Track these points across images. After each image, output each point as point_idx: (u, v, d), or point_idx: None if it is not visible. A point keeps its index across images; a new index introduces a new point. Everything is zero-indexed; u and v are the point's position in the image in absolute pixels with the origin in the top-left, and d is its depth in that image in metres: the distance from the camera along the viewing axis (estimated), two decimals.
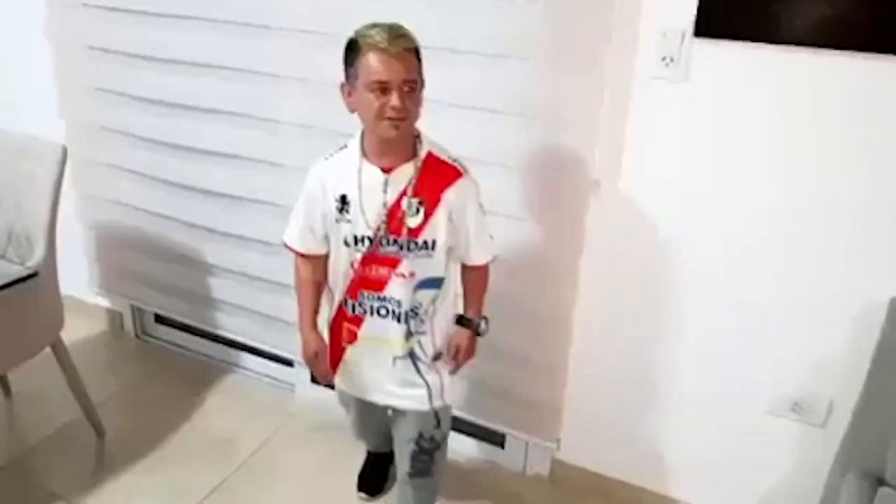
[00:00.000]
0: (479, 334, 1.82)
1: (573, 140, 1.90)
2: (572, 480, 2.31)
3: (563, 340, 2.13)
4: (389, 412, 1.93)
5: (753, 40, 1.67)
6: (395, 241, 1.64)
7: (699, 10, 1.68)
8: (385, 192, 1.61)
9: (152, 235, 2.71)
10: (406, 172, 1.61)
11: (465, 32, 1.91)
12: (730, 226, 1.85)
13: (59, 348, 2.29)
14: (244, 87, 2.29)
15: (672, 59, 1.75)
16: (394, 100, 1.48)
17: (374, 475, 2.29)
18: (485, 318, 1.82)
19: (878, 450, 1.68)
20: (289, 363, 2.70)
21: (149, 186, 2.62)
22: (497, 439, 2.42)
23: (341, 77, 1.59)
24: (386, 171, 1.61)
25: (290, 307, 2.43)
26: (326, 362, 1.85)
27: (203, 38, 2.31)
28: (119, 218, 2.75)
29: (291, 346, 2.56)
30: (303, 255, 1.78)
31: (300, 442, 2.47)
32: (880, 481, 1.67)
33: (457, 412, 2.29)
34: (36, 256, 2.13)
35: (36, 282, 2.10)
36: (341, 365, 1.85)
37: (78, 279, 2.89)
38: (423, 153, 1.62)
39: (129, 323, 3.04)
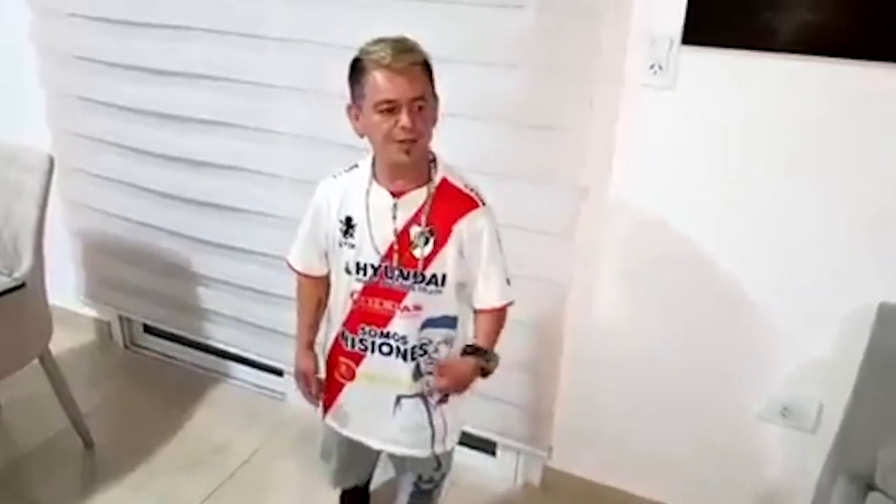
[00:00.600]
0: (484, 370, 1.59)
1: (563, 147, 1.90)
2: (564, 488, 2.31)
3: (554, 348, 2.13)
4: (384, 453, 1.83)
5: (741, 48, 1.68)
6: (402, 273, 1.52)
7: (687, 18, 1.70)
8: (394, 217, 1.49)
9: (141, 245, 2.70)
10: (417, 198, 1.50)
11: (455, 40, 1.91)
12: (719, 231, 1.86)
13: (47, 359, 2.28)
14: (233, 97, 2.29)
15: (660, 67, 1.76)
16: (403, 119, 1.38)
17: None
18: (495, 354, 1.62)
19: (867, 454, 1.69)
20: (278, 373, 2.70)
21: (137, 196, 2.61)
22: (488, 448, 2.41)
23: (336, 86, 1.53)
24: (396, 195, 1.50)
25: (279, 317, 2.45)
26: (314, 387, 1.75)
27: (192, 48, 2.30)
28: (107, 227, 2.74)
29: (281, 355, 2.57)
30: (302, 275, 1.70)
31: (291, 451, 2.46)
32: (870, 486, 1.68)
33: None
34: (23, 267, 2.12)
35: (23, 292, 2.09)
36: (336, 403, 1.73)
37: (66, 289, 2.87)
38: (437, 178, 1.51)
39: (117, 333, 3.03)
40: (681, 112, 1.79)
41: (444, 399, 1.65)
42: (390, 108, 1.38)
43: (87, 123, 2.61)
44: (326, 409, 1.77)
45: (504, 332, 2.08)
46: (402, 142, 1.40)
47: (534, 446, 2.28)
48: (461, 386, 1.60)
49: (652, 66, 1.77)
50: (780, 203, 1.78)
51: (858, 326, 1.73)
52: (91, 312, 3.03)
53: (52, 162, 2.14)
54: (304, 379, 1.76)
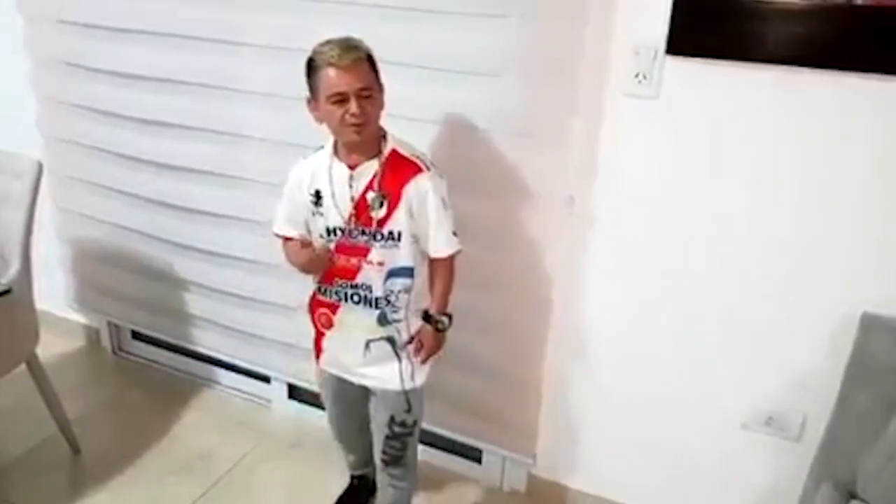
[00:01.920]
0: (439, 330, 1.87)
1: (547, 156, 1.91)
2: (549, 496, 2.31)
3: (537, 356, 2.13)
4: (371, 409, 1.98)
5: (725, 58, 1.69)
6: (364, 232, 1.75)
7: (671, 28, 1.70)
8: (351, 186, 1.73)
9: (129, 251, 2.70)
10: (370, 168, 1.72)
11: (439, 49, 1.92)
12: (702, 241, 1.87)
13: (34, 365, 2.28)
14: (221, 104, 2.30)
15: (645, 76, 1.77)
16: (352, 107, 1.61)
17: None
18: (448, 315, 1.87)
19: (850, 463, 1.69)
20: (265, 379, 2.70)
21: (127, 202, 2.62)
22: (474, 455, 2.41)
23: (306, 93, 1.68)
24: (352, 167, 1.73)
25: (266, 323, 2.46)
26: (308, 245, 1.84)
27: (180, 55, 2.31)
28: (96, 234, 2.75)
29: (268, 361, 2.58)
30: (290, 239, 1.87)
31: (277, 457, 2.46)
32: (852, 494, 1.68)
33: (433, 427, 2.30)
34: (10, 273, 2.12)
35: (9, 298, 2.09)
36: (321, 349, 1.94)
37: (55, 295, 2.88)
38: (386, 150, 1.73)
39: (105, 339, 3.02)
40: (665, 121, 1.80)
41: (410, 340, 1.87)
42: (341, 99, 1.61)
43: (77, 130, 2.61)
44: (317, 354, 1.98)
45: (487, 341, 2.10)
46: (352, 125, 1.63)
47: (519, 453, 2.28)
48: (434, 349, 1.90)
49: (636, 76, 1.77)
50: (764, 213, 1.78)
51: (842, 336, 1.73)
52: (80, 318, 3.03)
53: (40, 167, 2.15)
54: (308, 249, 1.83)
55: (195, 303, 2.67)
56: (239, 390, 2.80)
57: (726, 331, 1.92)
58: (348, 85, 1.60)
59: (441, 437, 2.37)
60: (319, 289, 1.87)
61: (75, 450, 2.43)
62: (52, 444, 2.42)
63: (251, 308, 2.47)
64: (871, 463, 1.65)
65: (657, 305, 1.98)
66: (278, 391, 2.69)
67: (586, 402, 2.16)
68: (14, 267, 2.13)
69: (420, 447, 2.27)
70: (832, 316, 1.78)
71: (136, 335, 3.00)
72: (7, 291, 2.08)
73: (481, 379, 2.18)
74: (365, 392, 1.96)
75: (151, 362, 2.97)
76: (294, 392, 2.66)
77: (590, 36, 1.79)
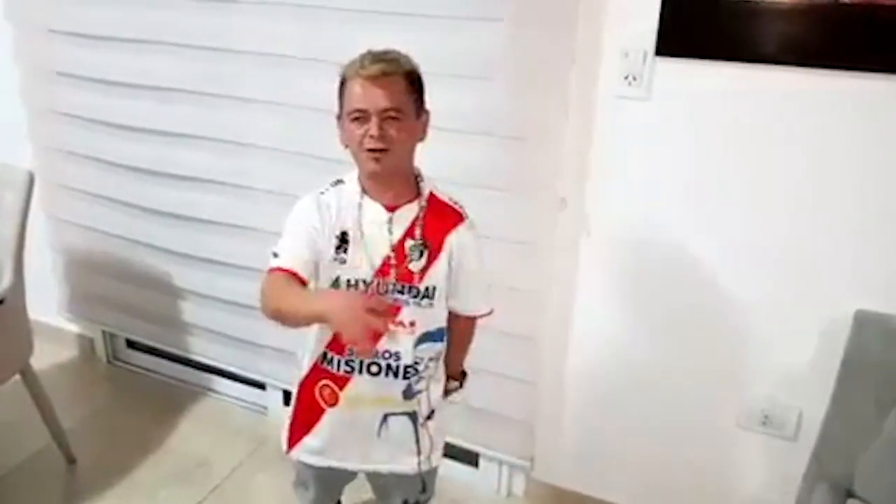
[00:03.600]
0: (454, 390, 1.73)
1: (539, 159, 1.92)
2: (547, 499, 2.31)
3: (534, 359, 2.13)
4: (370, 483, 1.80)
5: (714, 58, 1.70)
6: (396, 287, 1.48)
7: (660, 29, 1.71)
8: (390, 231, 1.47)
9: (123, 260, 2.70)
10: (410, 212, 1.48)
11: (430, 53, 1.90)
12: (696, 241, 1.87)
13: (28, 375, 2.27)
14: (213, 111, 2.30)
15: (635, 78, 1.77)
16: (371, 128, 1.36)
17: None
18: (464, 373, 1.75)
19: (846, 461, 1.69)
20: (261, 386, 2.69)
21: (118, 211, 2.61)
22: (471, 459, 2.41)
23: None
24: (390, 209, 1.47)
25: (261, 331, 2.44)
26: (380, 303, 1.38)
27: (171, 63, 2.31)
28: (89, 242, 2.74)
29: (263, 369, 2.57)
30: (291, 274, 1.45)
31: (273, 465, 2.44)
32: (849, 493, 1.68)
33: None
34: (3, 283, 2.11)
35: (2, 309, 2.08)
36: (314, 431, 1.63)
37: (48, 304, 2.87)
38: (426, 192, 1.51)
39: (100, 348, 3.02)
40: (656, 122, 1.81)
41: (430, 416, 1.64)
42: (362, 117, 1.38)
43: (69, 139, 2.61)
44: (294, 442, 1.68)
45: (484, 343, 2.09)
46: (371, 150, 1.38)
47: (517, 457, 2.28)
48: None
49: (626, 78, 1.78)
50: (757, 212, 1.79)
51: (837, 334, 1.74)
52: (74, 328, 3.02)
53: (31, 178, 2.14)
54: (360, 310, 1.26)
55: (190, 310, 2.67)
56: (235, 398, 2.79)
57: (720, 330, 1.92)
58: (371, 102, 1.36)
59: None
60: (325, 356, 1.55)
61: (70, 460, 2.42)
62: (47, 455, 2.41)
63: (246, 315, 2.46)
64: (867, 462, 1.65)
65: (651, 305, 1.98)
66: (274, 398, 2.68)
67: (583, 405, 2.17)
68: (7, 277, 2.12)
69: None
70: (826, 314, 1.79)
71: (131, 344, 3.00)
72: (0, 302, 2.07)
73: (478, 383, 2.17)
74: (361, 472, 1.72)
75: (146, 371, 2.96)
76: (290, 399, 2.64)
77: (580, 39, 1.80)
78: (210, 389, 2.84)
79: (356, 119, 1.38)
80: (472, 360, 2.11)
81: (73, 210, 2.72)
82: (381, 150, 1.38)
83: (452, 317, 1.61)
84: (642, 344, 2.02)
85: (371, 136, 1.37)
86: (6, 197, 2.14)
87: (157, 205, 2.53)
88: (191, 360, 2.79)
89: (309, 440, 1.65)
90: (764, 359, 1.89)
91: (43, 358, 2.39)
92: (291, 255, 1.45)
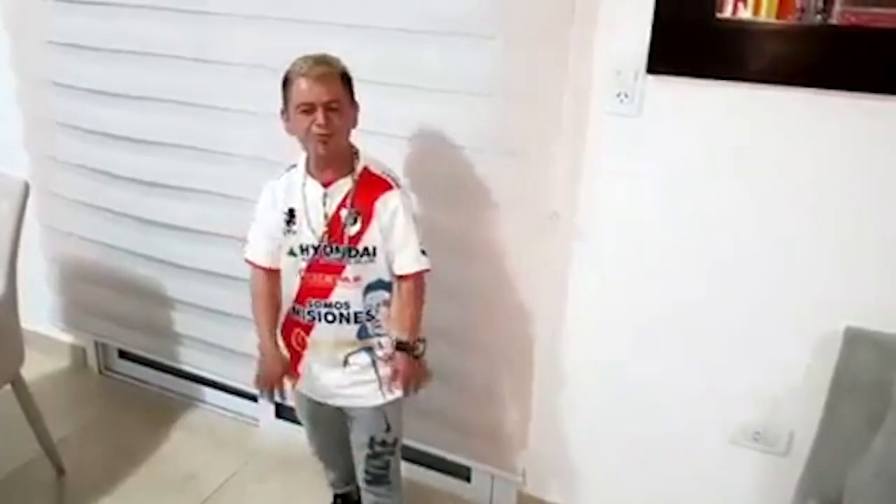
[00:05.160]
0: (416, 357, 1.84)
1: (532, 173, 1.92)
2: None
3: (525, 373, 2.13)
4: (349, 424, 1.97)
5: (705, 77, 1.71)
6: (338, 249, 1.76)
7: (651, 47, 1.72)
8: (325, 204, 1.75)
9: (116, 270, 2.69)
10: (344, 186, 1.75)
11: (426, 69, 1.93)
12: (686, 258, 1.88)
13: (18, 385, 2.26)
14: (204, 121, 2.30)
15: (626, 95, 1.78)
16: (318, 118, 1.64)
17: None
18: (421, 339, 1.85)
19: (836, 478, 1.69)
20: (253, 398, 2.68)
21: (112, 221, 2.61)
22: (463, 473, 2.41)
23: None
24: (326, 185, 1.75)
25: (254, 341, 2.43)
26: (282, 380, 1.88)
27: (169, 74, 2.32)
28: (82, 252, 2.74)
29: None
30: (263, 269, 1.86)
31: (265, 477, 2.45)
32: None
33: (421, 445, 2.29)
34: None
35: None
36: (298, 371, 1.91)
37: (41, 314, 2.86)
38: (359, 168, 1.76)
39: (92, 358, 3.01)
40: (647, 139, 1.82)
41: (390, 358, 1.85)
42: (308, 110, 1.65)
43: (64, 148, 2.61)
44: (295, 380, 1.93)
45: (475, 357, 2.09)
46: (318, 135, 1.66)
47: (508, 471, 2.27)
48: (411, 377, 1.85)
49: (618, 95, 1.79)
50: (747, 229, 1.79)
51: (827, 350, 1.74)
52: (66, 338, 3.01)
53: (26, 187, 2.14)
54: (276, 383, 1.88)
55: (183, 321, 2.67)
56: (226, 409, 2.79)
57: (712, 346, 1.92)
58: (316, 96, 1.63)
59: (429, 455, 2.36)
60: (293, 309, 1.86)
61: (60, 471, 2.41)
62: (37, 466, 2.40)
63: (239, 326, 2.45)
64: (857, 478, 1.65)
65: (642, 322, 1.98)
66: (266, 410, 2.67)
67: (575, 420, 2.16)
68: None
69: (408, 465, 2.27)
70: (816, 330, 1.79)
71: (123, 354, 2.99)
72: None
73: (469, 396, 2.18)
74: (342, 412, 1.95)
75: (138, 381, 2.96)
76: (282, 411, 2.65)
77: (572, 56, 1.81)
78: (202, 400, 2.83)
79: (304, 111, 1.65)
80: (463, 374, 2.13)
81: (68, 220, 2.72)
82: (327, 135, 1.66)
83: (395, 279, 1.83)
84: (634, 360, 2.02)
85: (318, 125, 1.65)
86: (1, 206, 2.14)
87: (151, 214, 2.52)
88: (183, 371, 2.79)
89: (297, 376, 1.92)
90: (755, 375, 1.89)
91: (35, 367, 2.38)
92: (253, 248, 1.87)
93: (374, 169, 1.78)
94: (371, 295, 1.81)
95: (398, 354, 1.83)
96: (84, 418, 2.72)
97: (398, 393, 1.88)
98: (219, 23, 2.17)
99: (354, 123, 1.74)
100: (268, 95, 2.04)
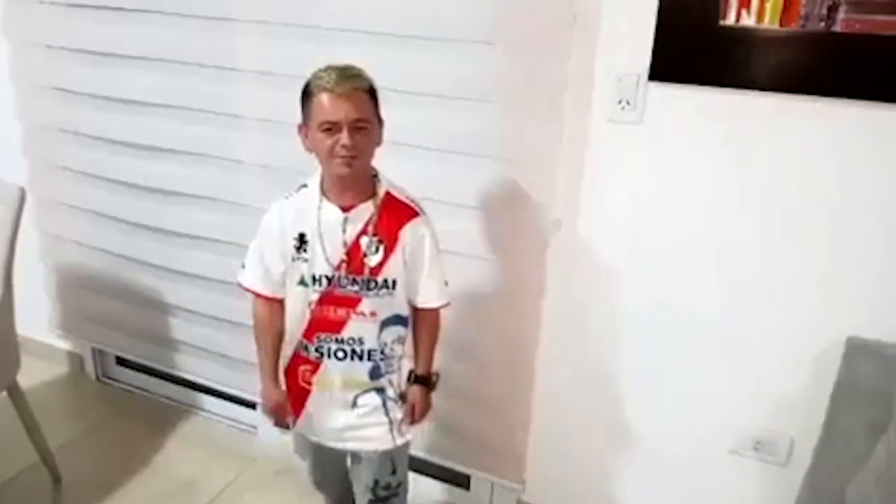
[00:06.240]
0: (431, 390, 1.79)
1: (533, 181, 1.92)
2: None
3: (526, 381, 2.12)
4: (348, 461, 1.90)
5: (707, 84, 1.71)
6: (355, 281, 1.63)
7: (654, 54, 1.72)
8: (344, 230, 1.61)
9: (114, 276, 2.68)
10: (365, 211, 1.62)
11: (427, 75, 1.93)
12: (688, 266, 1.87)
13: (14, 392, 2.25)
14: (206, 127, 2.30)
15: (628, 103, 1.78)
16: (343, 138, 1.50)
17: None
18: (436, 373, 1.80)
19: (837, 488, 1.68)
20: (251, 405, 2.67)
21: (111, 227, 2.61)
22: (462, 481, 2.40)
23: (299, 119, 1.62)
24: (345, 209, 1.61)
25: (252, 348, 2.41)
26: (287, 412, 1.81)
27: (169, 80, 2.31)
28: (80, 259, 2.73)
29: (254, 387, 2.53)
30: (264, 297, 1.74)
31: (263, 485, 2.44)
32: None
33: (420, 453, 2.28)
34: None
35: None
36: (303, 411, 1.80)
37: (38, 320, 2.85)
38: (381, 192, 1.63)
39: (89, 365, 3.00)
40: (649, 146, 1.81)
41: (402, 397, 1.78)
42: (333, 128, 1.51)
43: (63, 154, 2.61)
44: (295, 419, 1.83)
45: (475, 366, 2.08)
46: (342, 157, 1.52)
47: (508, 479, 2.26)
48: (426, 412, 1.80)
49: (620, 102, 1.79)
50: (749, 239, 1.79)
51: (829, 360, 1.73)
52: (64, 345, 3.00)
53: (23, 194, 2.13)
54: (279, 412, 1.81)
55: (181, 328, 2.65)
56: (225, 417, 2.78)
57: (713, 356, 1.91)
58: (342, 115, 1.50)
59: (428, 463, 2.35)
60: (301, 344, 1.73)
61: (56, 479, 2.40)
62: (33, 474, 2.39)
63: (238, 333, 2.45)
64: (858, 490, 1.64)
65: (643, 330, 1.97)
66: (264, 419, 2.62)
67: (575, 428, 2.15)
68: None
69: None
70: (818, 340, 1.78)
71: (121, 361, 2.98)
72: None
73: (469, 404, 2.17)
74: (345, 452, 1.87)
75: (136, 388, 2.94)
76: None
77: (574, 63, 1.80)
78: (200, 408, 2.82)
79: (327, 130, 1.51)
80: (463, 382, 2.12)
81: (66, 226, 2.71)
82: (352, 157, 1.53)
83: (413, 311, 1.74)
84: (635, 369, 2.02)
85: (343, 146, 1.51)
86: None
87: (150, 220, 2.52)
88: (181, 378, 2.78)
89: (302, 417, 1.81)
90: (756, 385, 1.89)
91: (32, 375, 2.38)
92: (251, 274, 1.73)
93: (396, 194, 1.65)
94: (387, 331, 1.69)
95: (416, 388, 1.76)
96: (81, 426, 2.71)
97: (409, 436, 1.81)
98: (222, 28, 2.17)
99: (380, 142, 1.60)
100: (272, 102, 2.05)
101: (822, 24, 1.57)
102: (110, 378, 3.02)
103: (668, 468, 2.06)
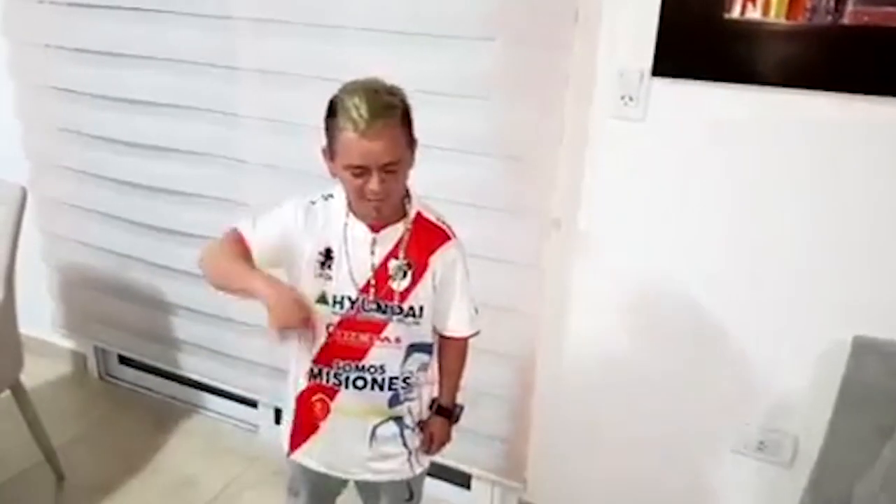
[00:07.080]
0: (454, 423, 1.71)
1: (533, 179, 1.91)
2: None
3: (526, 381, 2.12)
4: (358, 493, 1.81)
5: (711, 79, 1.69)
6: (380, 306, 1.50)
7: (657, 49, 1.70)
8: (373, 252, 1.48)
9: (117, 276, 2.68)
10: (395, 233, 1.49)
11: (428, 72, 1.91)
12: (691, 264, 1.86)
13: (18, 391, 2.25)
14: (209, 127, 2.30)
15: (631, 99, 1.76)
16: (372, 183, 1.36)
17: None
18: (461, 405, 1.71)
19: (842, 489, 1.67)
20: (252, 404, 2.68)
21: (113, 226, 2.61)
22: (463, 480, 2.39)
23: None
24: (375, 229, 1.48)
25: (254, 348, 2.43)
26: (306, 307, 1.45)
27: (168, 79, 2.31)
28: (83, 258, 2.73)
29: (255, 386, 2.55)
30: (244, 242, 1.49)
31: (263, 484, 2.44)
32: None
33: None
34: None
35: None
36: (312, 439, 1.66)
37: (42, 320, 2.86)
38: (412, 213, 1.51)
39: (92, 364, 3.00)
40: (652, 143, 1.80)
41: (420, 425, 1.67)
42: (361, 172, 1.37)
43: (64, 154, 2.61)
44: (294, 446, 1.70)
45: (478, 363, 2.06)
46: (370, 201, 1.40)
47: (509, 479, 2.26)
48: (445, 444, 1.71)
49: (622, 98, 1.77)
50: (752, 235, 1.78)
51: (834, 360, 1.71)
52: (66, 344, 3.01)
53: (24, 194, 2.13)
54: (296, 306, 1.41)
55: (183, 327, 2.65)
56: (226, 415, 2.78)
57: (716, 355, 1.90)
58: (372, 160, 1.34)
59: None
60: (312, 371, 1.58)
61: (59, 476, 2.40)
62: (37, 472, 2.39)
63: (239, 332, 2.45)
64: (864, 490, 1.62)
65: (645, 329, 1.96)
66: (265, 416, 2.66)
67: (577, 427, 2.14)
68: None
69: None
70: (824, 339, 1.77)
71: (123, 360, 2.98)
72: None
73: (470, 403, 2.15)
74: (346, 483, 1.75)
75: (138, 387, 2.95)
76: (281, 417, 2.63)
77: (576, 58, 1.79)
78: (202, 407, 2.82)
79: (355, 173, 1.37)
80: (465, 381, 2.10)
81: (68, 225, 2.71)
82: (379, 200, 1.40)
83: (440, 339, 1.63)
84: (637, 368, 2.00)
85: (372, 191, 1.37)
86: None
87: (152, 219, 2.52)
88: (183, 377, 2.78)
89: (307, 446, 1.67)
90: (761, 384, 1.87)
91: (35, 373, 2.38)
92: (259, 231, 1.50)
93: (428, 215, 1.53)
94: (412, 358, 1.56)
95: (437, 420, 1.67)
96: (84, 424, 2.72)
97: (426, 464, 1.72)
98: (224, 27, 2.16)
99: (412, 165, 1.46)
100: (280, 102, 2.04)
101: (830, 16, 1.55)
102: (113, 377, 3.02)
103: (670, 469, 2.05)
